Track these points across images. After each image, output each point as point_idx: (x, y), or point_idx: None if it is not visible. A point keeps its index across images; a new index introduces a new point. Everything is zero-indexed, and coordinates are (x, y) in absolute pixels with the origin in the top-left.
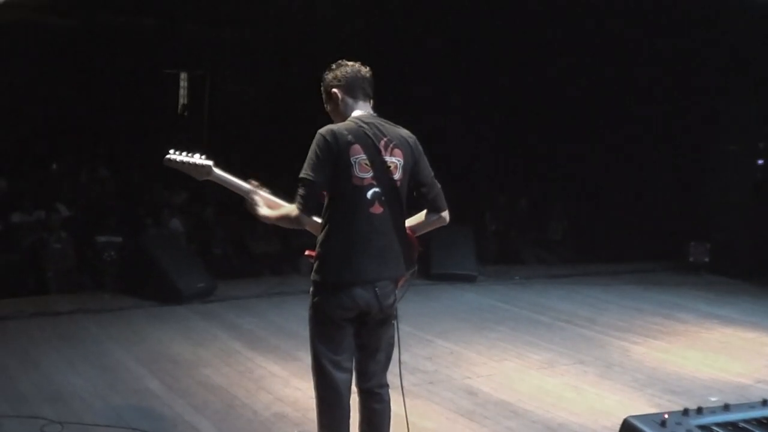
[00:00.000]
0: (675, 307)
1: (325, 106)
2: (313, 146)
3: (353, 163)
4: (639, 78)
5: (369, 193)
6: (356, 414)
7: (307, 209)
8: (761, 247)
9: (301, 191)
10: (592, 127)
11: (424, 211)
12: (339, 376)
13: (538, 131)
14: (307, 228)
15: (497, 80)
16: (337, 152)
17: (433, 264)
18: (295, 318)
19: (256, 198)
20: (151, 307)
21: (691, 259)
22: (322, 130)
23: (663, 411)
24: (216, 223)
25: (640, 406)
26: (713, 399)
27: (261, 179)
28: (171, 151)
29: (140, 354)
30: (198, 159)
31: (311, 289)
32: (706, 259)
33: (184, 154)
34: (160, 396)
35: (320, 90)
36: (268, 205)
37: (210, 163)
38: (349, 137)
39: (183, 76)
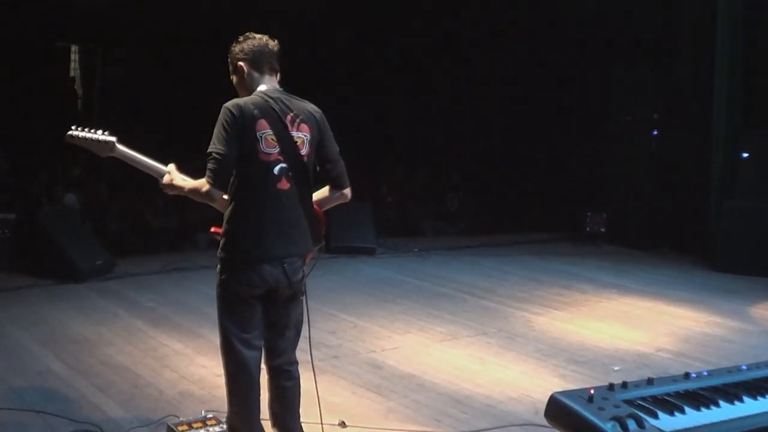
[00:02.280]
0: (574, 277)
1: (231, 78)
2: (220, 120)
3: (260, 138)
4: (535, 49)
5: (276, 169)
6: (266, 392)
7: (217, 184)
8: (656, 217)
9: (210, 165)
10: (488, 98)
11: (327, 187)
12: (248, 353)
13: (434, 102)
14: (216, 206)
15: (392, 50)
16: (242, 126)
17: (332, 237)
18: (196, 294)
19: (170, 175)
20: (48, 286)
21: (587, 230)
22: (228, 104)
23: (568, 381)
24: (111, 198)
25: (544, 376)
26: (616, 368)
27: (156, 152)
28: (73, 128)
29: (40, 335)
30: (101, 135)
31: (218, 266)
32: (603, 229)
33: (86, 130)
34: (63, 377)
35: (226, 62)
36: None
37: (113, 138)
38: (255, 111)
39: (74, 48)
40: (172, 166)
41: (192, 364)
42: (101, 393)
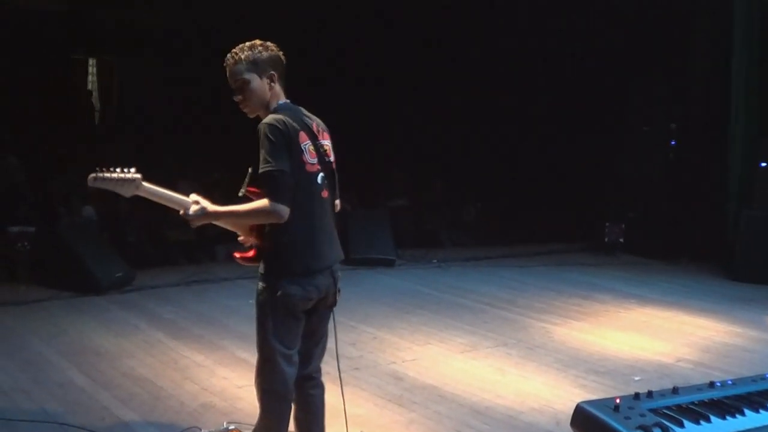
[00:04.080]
0: (593, 287)
1: (244, 83)
2: (267, 137)
3: (304, 149)
4: (552, 58)
5: (318, 179)
6: None
7: (283, 199)
8: (675, 226)
9: (270, 183)
10: (506, 108)
11: None
12: (290, 371)
13: (452, 113)
14: (227, 225)
15: (410, 60)
16: (289, 140)
17: (351, 248)
18: (216, 306)
19: (204, 202)
20: (69, 298)
21: (606, 240)
22: (270, 120)
23: (589, 391)
24: (129, 210)
25: (565, 386)
26: (637, 378)
27: (174, 166)
28: (96, 169)
29: (61, 347)
30: (126, 174)
31: (265, 283)
32: (621, 240)
33: (110, 170)
34: (85, 389)
35: (237, 66)
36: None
37: (138, 176)
38: (295, 124)
39: (91, 61)
40: (194, 196)
41: (213, 376)
42: (123, 405)
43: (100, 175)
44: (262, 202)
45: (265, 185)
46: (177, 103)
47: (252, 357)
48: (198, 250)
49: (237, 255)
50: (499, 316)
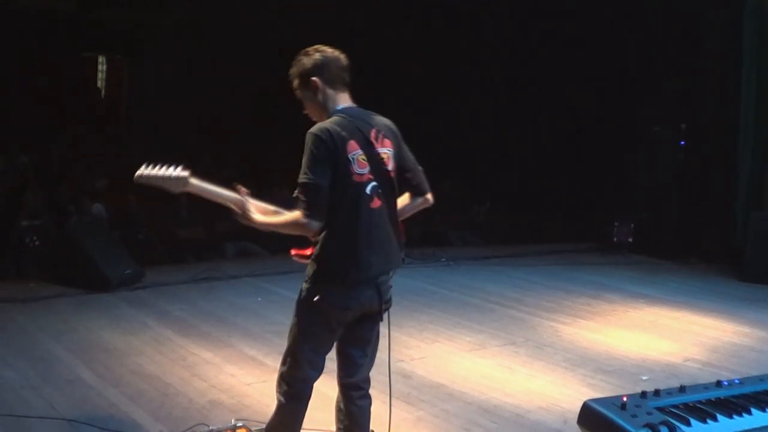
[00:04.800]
0: (601, 287)
1: (298, 93)
2: (309, 147)
3: (352, 160)
4: (562, 60)
5: (368, 189)
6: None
7: (315, 215)
8: (684, 227)
9: (305, 197)
10: (516, 108)
11: (407, 195)
12: (312, 373)
13: (461, 112)
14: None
15: (421, 61)
16: (334, 151)
17: None
18: (225, 304)
19: (248, 205)
20: (78, 295)
21: (615, 240)
22: (315, 130)
23: (597, 390)
24: (139, 208)
25: (573, 385)
26: (645, 377)
27: (184, 164)
28: (143, 166)
29: (70, 344)
30: (173, 171)
31: (307, 287)
32: (630, 239)
33: (158, 167)
34: (93, 386)
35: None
36: (261, 211)
37: (186, 174)
38: (344, 133)
39: (101, 59)
40: (246, 196)
41: (221, 373)
42: (131, 402)
43: (147, 172)
44: (295, 215)
45: (300, 196)
46: (187, 101)
47: (260, 354)
48: (207, 247)
49: (293, 252)
50: (508, 315)
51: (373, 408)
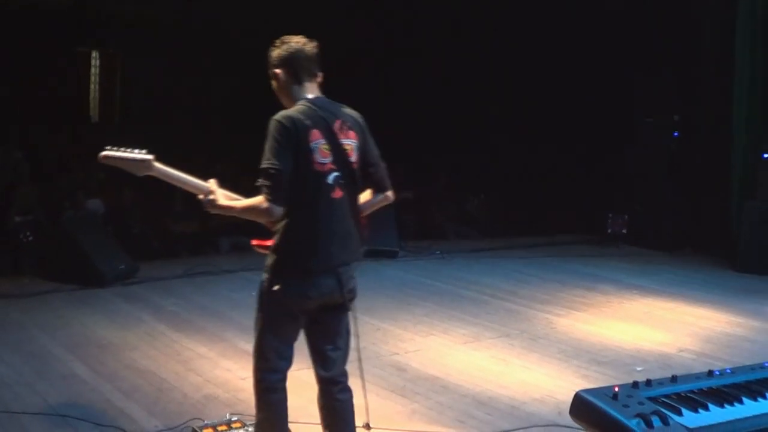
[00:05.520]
0: (596, 278)
1: (272, 84)
2: (272, 134)
3: (314, 148)
4: (555, 51)
5: (330, 178)
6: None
7: (277, 199)
8: (678, 218)
9: (266, 182)
10: (509, 100)
11: (369, 191)
12: (281, 363)
13: (455, 105)
14: (260, 219)
15: (415, 59)
16: (296, 138)
17: None
18: (219, 298)
19: (213, 189)
20: (72, 291)
21: (609, 231)
22: (279, 117)
23: (591, 381)
24: (134, 203)
25: (567, 377)
26: (639, 369)
27: (178, 158)
28: (108, 147)
29: (65, 339)
30: (137, 153)
31: (267, 278)
32: (624, 231)
33: (122, 149)
34: (87, 381)
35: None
36: (227, 199)
37: (150, 157)
38: (307, 122)
39: (95, 54)
40: (213, 183)
41: (216, 368)
42: (126, 397)
43: (111, 153)
44: (258, 200)
45: (262, 182)
46: (181, 95)
47: None
48: (201, 242)
49: (254, 242)
50: (502, 307)
51: (370, 401)
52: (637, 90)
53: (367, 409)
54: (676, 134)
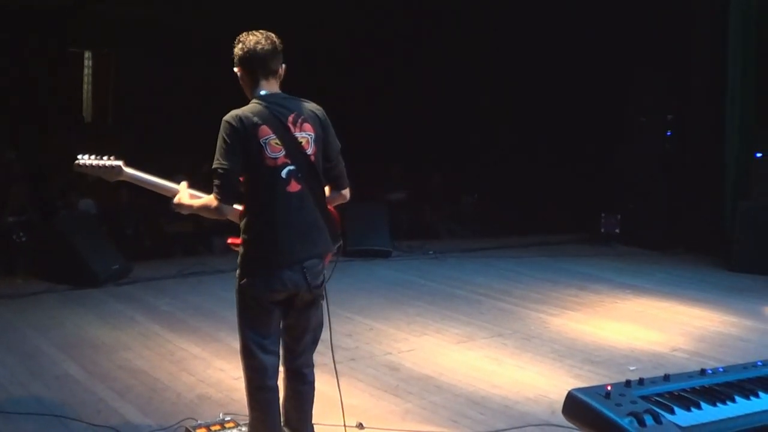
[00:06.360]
0: (589, 278)
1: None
2: (221, 134)
3: (263, 144)
4: (548, 50)
5: (284, 173)
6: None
7: (225, 198)
8: (671, 217)
9: (216, 181)
10: (501, 99)
11: (327, 188)
12: (266, 358)
13: (448, 104)
14: (230, 217)
15: (408, 56)
16: (245, 136)
17: (347, 240)
18: (213, 298)
19: (181, 192)
20: (65, 291)
21: (602, 230)
22: (227, 117)
23: (584, 381)
24: (128, 203)
25: (560, 376)
26: (632, 368)
27: (169, 160)
28: (79, 156)
29: (58, 339)
30: (107, 161)
31: (237, 272)
32: (617, 230)
33: (93, 157)
34: (81, 381)
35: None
36: (193, 198)
37: (119, 163)
38: (255, 119)
39: (87, 54)
40: (183, 184)
41: (210, 368)
42: (119, 397)
43: (83, 162)
44: (209, 199)
45: (214, 181)
46: (174, 96)
47: None
48: (195, 242)
49: (229, 241)
50: (495, 307)
51: (361, 401)
52: (631, 89)
53: (341, 398)
54: (669, 134)
